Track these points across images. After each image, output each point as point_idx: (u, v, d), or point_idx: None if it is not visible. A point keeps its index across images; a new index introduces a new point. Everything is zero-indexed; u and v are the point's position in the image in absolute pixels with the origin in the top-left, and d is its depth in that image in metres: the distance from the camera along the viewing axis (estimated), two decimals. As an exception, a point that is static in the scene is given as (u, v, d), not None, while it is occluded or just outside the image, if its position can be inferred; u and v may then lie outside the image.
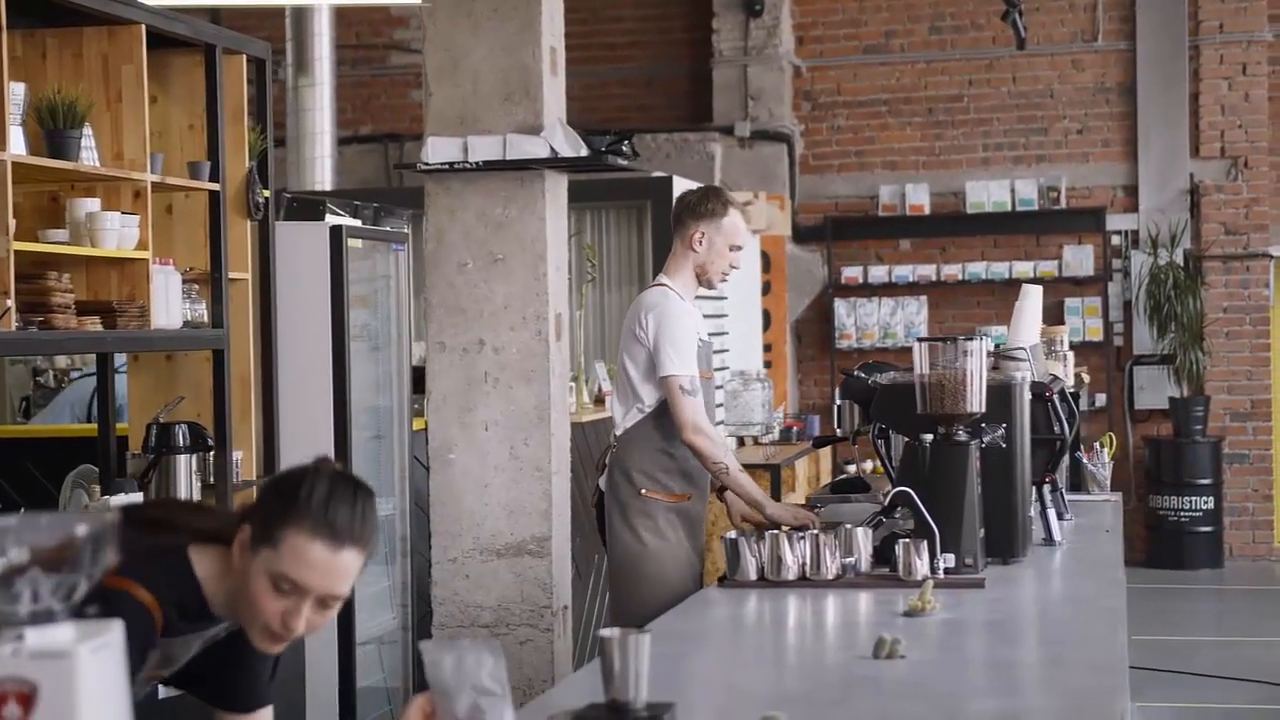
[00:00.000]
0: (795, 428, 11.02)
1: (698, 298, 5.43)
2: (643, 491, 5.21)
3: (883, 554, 4.36)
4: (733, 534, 4.37)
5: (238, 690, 2.90)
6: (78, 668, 1.72)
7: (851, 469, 12.12)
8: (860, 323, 12.97)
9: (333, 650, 6.26)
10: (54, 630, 1.75)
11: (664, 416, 5.18)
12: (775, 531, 4.33)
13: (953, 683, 3.18)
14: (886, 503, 4.41)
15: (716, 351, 10.31)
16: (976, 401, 4.41)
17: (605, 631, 2.73)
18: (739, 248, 5.33)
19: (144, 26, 5.18)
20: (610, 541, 5.30)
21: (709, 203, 5.32)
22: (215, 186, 5.58)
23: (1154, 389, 12.65)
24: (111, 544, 1.79)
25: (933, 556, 4.24)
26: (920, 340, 4.46)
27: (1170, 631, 10.14)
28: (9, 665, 1.71)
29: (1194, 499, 12.30)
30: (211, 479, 5.59)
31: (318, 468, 2.68)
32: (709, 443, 5.11)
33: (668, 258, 5.41)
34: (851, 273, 12.98)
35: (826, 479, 10.60)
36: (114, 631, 1.78)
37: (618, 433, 5.30)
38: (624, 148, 6.00)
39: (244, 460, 5.85)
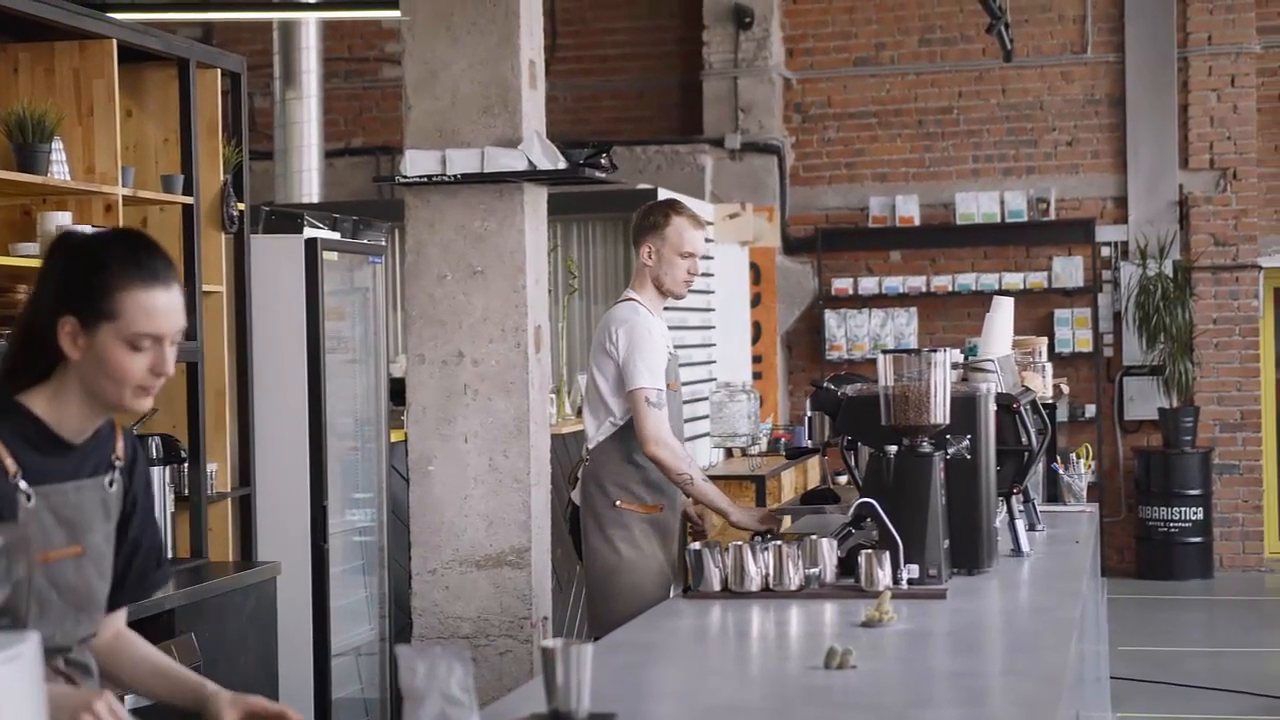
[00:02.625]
0: (784, 439, 11.03)
1: (667, 309, 5.47)
2: (617, 504, 5.26)
3: (849, 565, 4.37)
4: (697, 545, 4.39)
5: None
6: (-12, 678, 1.73)
7: (842, 480, 12.13)
8: (851, 334, 12.98)
9: (308, 661, 6.27)
10: (-34, 641, 1.76)
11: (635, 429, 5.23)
12: (739, 543, 4.35)
13: (899, 693, 3.19)
14: (850, 513, 4.41)
15: (704, 363, 10.40)
16: (940, 413, 4.42)
17: (547, 642, 2.76)
18: (690, 255, 5.37)
19: (115, 41, 5.21)
20: (586, 554, 5.34)
21: (651, 215, 5.42)
22: (189, 200, 5.61)
23: (1144, 400, 12.65)
24: (24, 556, 1.80)
25: (895, 567, 4.25)
26: (885, 352, 4.47)
27: (1159, 642, 10.15)
28: (-81, 676, 1.72)
29: (1184, 510, 12.30)
30: (186, 491, 5.61)
31: (97, 237, 2.79)
32: (671, 455, 5.16)
33: (634, 274, 5.51)
34: (842, 284, 13.00)
35: (814, 490, 10.60)
36: (29, 643, 1.80)
37: (590, 445, 5.37)
38: (602, 160, 6.02)
39: (218, 473, 5.86)
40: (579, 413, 8.17)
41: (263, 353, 6.13)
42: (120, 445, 2.87)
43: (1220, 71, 12.63)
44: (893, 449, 4.42)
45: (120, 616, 2.98)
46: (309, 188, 10.58)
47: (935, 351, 4.44)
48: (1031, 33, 12.79)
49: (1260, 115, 12.68)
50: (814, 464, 11.39)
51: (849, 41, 13.18)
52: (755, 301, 12.47)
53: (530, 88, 5.92)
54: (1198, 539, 12.32)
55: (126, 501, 2.87)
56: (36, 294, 2.76)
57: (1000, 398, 4.95)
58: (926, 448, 4.43)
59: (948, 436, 4.50)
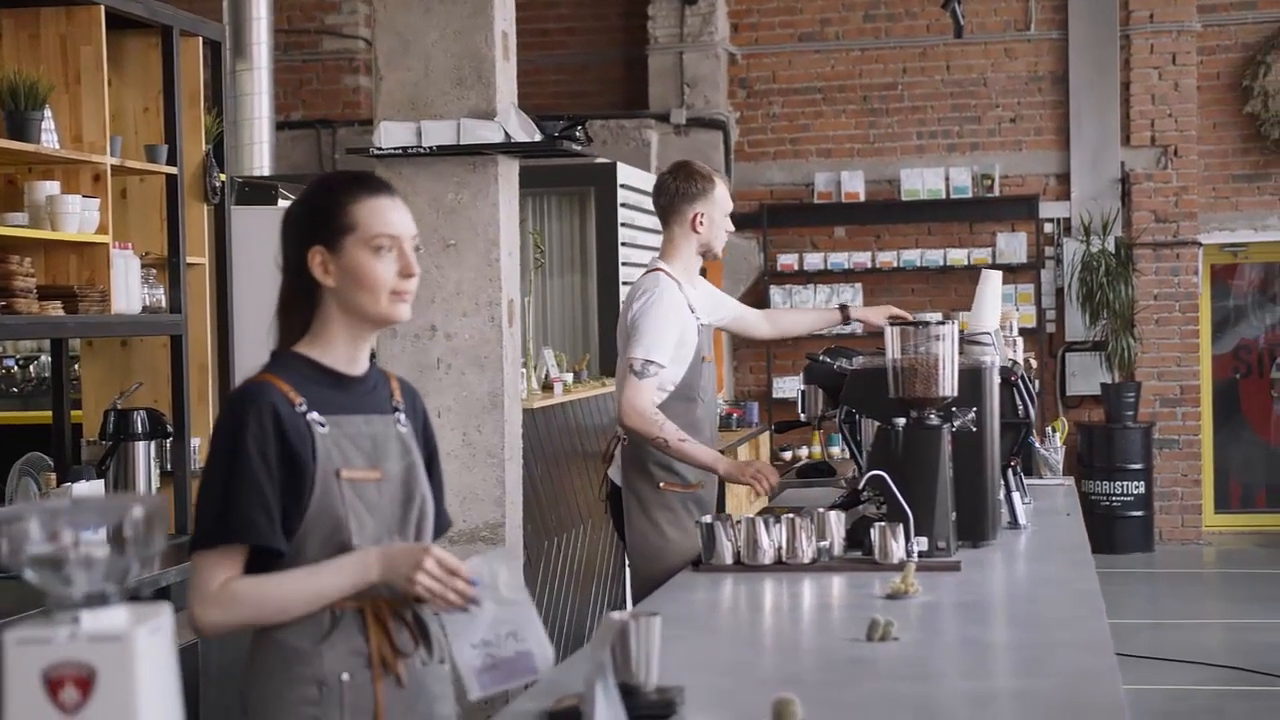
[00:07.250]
0: (734, 415, 11.06)
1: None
2: (661, 485, 5.15)
3: (854, 537, 4.37)
4: (708, 518, 4.36)
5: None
6: (135, 650, 1.69)
7: (787, 455, 12.18)
8: (795, 310, 12.99)
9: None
10: (109, 613, 1.72)
11: (674, 406, 5.12)
12: (752, 516, 4.33)
13: (952, 664, 3.19)
14: (861, 486, 4.41)
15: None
16: (948, 385, 4.42)
17: (616, 614, 2.72)
18: (729, 213, 5.39)
19: (103, 8, 5.11)
20: (630, 535, 5.21)
21: (697, 182, 5.29)
22: (173, 170, 5.51)
23: (1086, 375, 12.77)
24: (163, 527, 1.76)
25: (907, 540, 4.25)
26: (893, 324, 4.46)
27: (1104, 615, 10.25)
28: (66, 649, 1.68)
29: (1125, 484, 12.43)
30: (170, 466, 5.53)
31: (319, 178, 2.99)
32: (641, 421, 5.02)
33: (664, 244, 5.35)
34: (787, 260, 13.02)
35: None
36: (165, 615, 1.76)
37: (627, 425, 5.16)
38: (577, 133, 5.99)
39: (202, 447, 5.78)
40: (545, 388, 8.13)
41: (244, 325, 6.05)
42: (396, 390, 2.98)
43: (1162, 49, 12.74)
44: (901, 421, 4.41)
45: None
46: (261, 160, 10.43)
47: (943, 323, 4.44)
48: (976, 9, 12.84)
49: (1201, 93, 12.81)
50: (764, 439, 11.43)
51: (794, 17, 13.19)
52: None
53: (504, 59, 5.88)
54: (1139, 513, 12.47)
55: (421, 443, 2.98)
56: (283, 252, 2.92)
57: (1000, 370, 4.96)
58: (934, 420, 4.43)
59: (953, 409, 4.50)
